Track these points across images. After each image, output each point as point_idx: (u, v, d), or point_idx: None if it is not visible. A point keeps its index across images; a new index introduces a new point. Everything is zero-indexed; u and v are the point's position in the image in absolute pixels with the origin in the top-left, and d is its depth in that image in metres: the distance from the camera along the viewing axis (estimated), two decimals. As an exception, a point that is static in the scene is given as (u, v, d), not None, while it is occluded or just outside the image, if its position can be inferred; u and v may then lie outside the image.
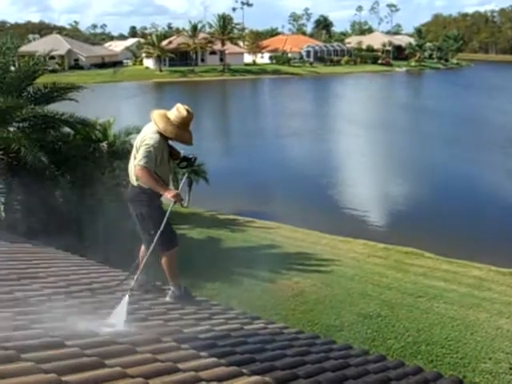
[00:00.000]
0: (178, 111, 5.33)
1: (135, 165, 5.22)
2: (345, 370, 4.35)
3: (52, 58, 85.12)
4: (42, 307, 4.27)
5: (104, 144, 16.12)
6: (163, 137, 5.29)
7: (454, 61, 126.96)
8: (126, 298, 4.64)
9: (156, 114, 5.34)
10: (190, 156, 5.67)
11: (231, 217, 21.74)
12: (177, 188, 6.16)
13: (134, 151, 5.41)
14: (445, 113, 54.14)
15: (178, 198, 5.26)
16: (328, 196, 25.56)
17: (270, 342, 4.79)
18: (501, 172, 31.45)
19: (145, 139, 5.25)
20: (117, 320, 4.36)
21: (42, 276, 5.60)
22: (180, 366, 3.46)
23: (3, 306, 3.96)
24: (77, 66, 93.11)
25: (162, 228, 5.17)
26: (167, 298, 5.62)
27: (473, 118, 49.39)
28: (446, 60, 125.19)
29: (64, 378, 2.77)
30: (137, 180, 5.32)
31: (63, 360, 3.05)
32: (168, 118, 5.29)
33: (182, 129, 5.33)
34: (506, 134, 42.24)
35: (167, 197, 5.24)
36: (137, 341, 3.83)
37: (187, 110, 5.34)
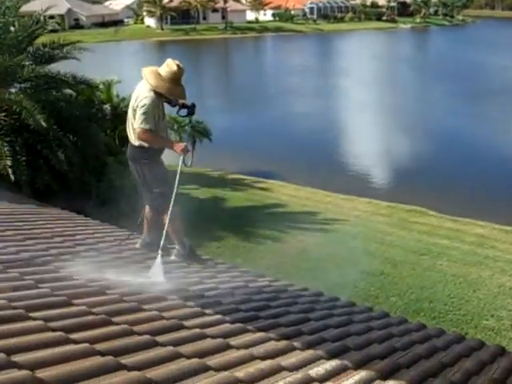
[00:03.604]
0: (168, 67, 5.30)
1: (135, 128, 5.24)
2: (348, 326, 4.40)
3: (52, 17, 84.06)
4: (48, 267, 4.31)
5: (107, 106, 16.04)
6: (157, 94, 5.27)
7: (460, 17, 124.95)
8: (159, 259, 4.93)
9: (147, 71, 5.32)
10: (189, 103, 5.64)
11: (236, 176, 21.73)
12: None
13: (130, 111, 5.41)
14: (446, 70, 53.62)
15: (185, 150, 5.31)
16: (332, 154, 25.47)
17: (274, 299, 4.84)
18: (503, 126, 31.22)
19: (140, 100, 5.24)
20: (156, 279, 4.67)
21: (48, 236, 5.63)
22: (185, 323, 3.51)
23: (10, 267, 3.99)
24: (77, 25, 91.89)
25: (175, 189, 5.28)
26: (172, 257, 5.67)
27: (473, 75, 48.87)
28: (452, 16, 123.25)
29: (72, 336, 2.82)
30: (138, 140, 5.32)
31: (70, 318, 3.10)
32: (159, 74, 5.27)
33: (174, 84, 5.30)
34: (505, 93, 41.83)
35: (176, 151, 5.29)
36: (143, 299, 3.88)
37: (177, 65, 5.31)
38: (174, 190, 5.27)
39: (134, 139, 5.41)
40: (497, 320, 10.03)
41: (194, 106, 5.66)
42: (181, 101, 5.62)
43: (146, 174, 5.44)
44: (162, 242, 5.26)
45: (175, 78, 5.31)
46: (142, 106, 5.18)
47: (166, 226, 5.32)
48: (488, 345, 4.51)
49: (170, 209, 5.29)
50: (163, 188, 5.45)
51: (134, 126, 5.26)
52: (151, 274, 4.75)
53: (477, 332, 9.60)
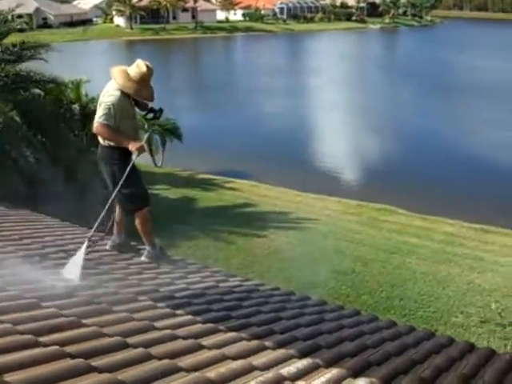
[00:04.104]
0: (137, 67, 5.28)
1: (95, 122, 5.21)
2: (320, 324, 4.42)
3: (19, 16, 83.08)
4: (17, 269, 4.25)
5: (76, 106, 15.90)
6: (124, 94, 5.24)
7: (428, 18, 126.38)
8: (83, 248, 4.70)
9: (116, 71, 5.29)
10: (156, 107, 5.64)
11: (206, 176, 21.70)
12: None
13: (97, 110, 5.36)
14: (414, 70, 54.36)
15: (140, 150, 5.24)
16: (302, 154, 25.55)
17: (245, 299, 4.84)
18: (471, 125, 31.70)
19: (106, 97, 5.23)
20: (72, 272, 4.40)
21: (16, 238, 5.56)
22: (156, 324, 3.49)
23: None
24: (45, 24, 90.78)
25: (119, 187, 5.17)
26: (143, 258, 5.64)
27: (441, 75, 49.57)
28: (420, 17, 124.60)
29: (41, 339, 2.79)
30: (96, 132, 5.29)
31: (40, 321, 3.06)
32: (128, 74, 5.25)
33: (142, 85, 5.27)
34: (472, 90, 42.49)
35: (131, 149, 5.22)
36: (113, 300, 3.85)
37: (147, 66, 5.28)
38: (117, 188, 5.19)
39: (102, 139, 5.38)
40: (466, 317, 10.17)
41: (161, 110, 5.66)
42: (150, 105, 5.61)
43: (116, 175, 5.38)
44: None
45: (144, 79, 5.28)
46: (106, 103, 5.17)
47: (105, 211, 5.15)
48: (457, 341, 4.56)
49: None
50: (133, 189, 5.41)
51: (95, 119, 5.23)
52: (66, 271, 4.49)
53: (446, 329, 9.72)
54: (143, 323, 3.46)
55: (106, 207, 5.14)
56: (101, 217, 5.19)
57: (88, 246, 4.79)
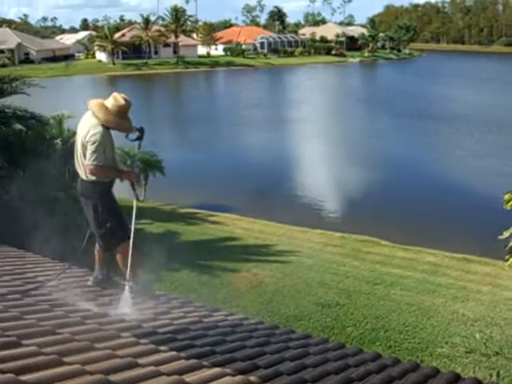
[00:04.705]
0: (115, 100, 5.34)
1: (87, 165, 5.23)
2: (304, 358, 4.39)
3: (1, 51, 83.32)
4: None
5: (58, 141, 15.84)
6: (105, 126, 5.27)
7: (407, 51, 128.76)
8: (127, 291, 5.20)
9: (94, 105, 5.33)
10: (138, 127, 5.63)
11: (189, 210, 21.66)
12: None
13: (79, 147, 5.35)
14: (392, 101, 55.30)
15: (134, 177, 5.41)
16: (284, 187, 25.65)
17: (229, 333, 4.80)
18: (451, 158, 32.14)
19: (90, 136, 5.21)
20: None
21: (-3, 275, 5.49)
22: (139, 360, 3.45)
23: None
24: (27, 60, 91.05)
25: (133, 223, 5.36)
26: (125, 293, 5.58)
27: (419, 107, 50.37)
28: (399, 50, 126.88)
29: (22, 378, 2.74)
30: (90, 175, 5.29)
31: (20, 359, 3.01)
32: (106, 108, 5.29)
33: (122, 117, 5.34)
34: (452, 120, 43.20)
35: (127, 179, 5.38)
36: (95, 337, 3.80)
37: (124, 99, 5.37)
38: (133, 223, 5.30)
39: (84, 174, 5.37)
40: (451, 347, 10.14)
41: (142, 129, 5.65)
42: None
43: (98, 209, 5.38)
44: (128, 273, 5.36)
45: (123, 112, 5.35)
46: (93, 143, 5.18)
47: (130, 256, 5.39)
48: (443, 372, 4.54)
49: (131, 240, 5.39)
50: (115, 222, 5.42)
51: (86, 162, 5.24)
52: (120, 307, 4.84)
53: (432, 359, 9.68)
54: (126, 360, 3.41)
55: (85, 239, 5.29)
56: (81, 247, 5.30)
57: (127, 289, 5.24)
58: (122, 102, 5.33)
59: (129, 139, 5.79)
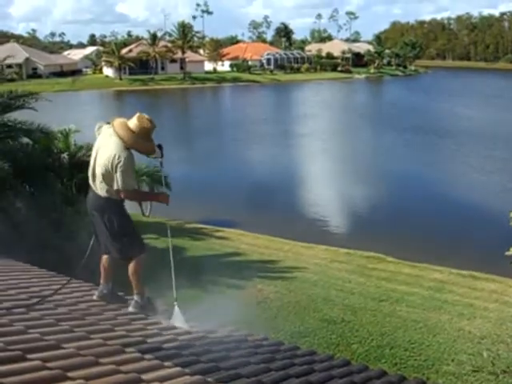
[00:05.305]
0: (139, 122, 5.23)
1: (120, 189, 5.17)
2: (309, 375, 4.36)
3: (9, 66, 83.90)
4: (1, 321, 4.18)
5: (65, 155, 15.90)
6: (128, 149, 5.19)
7: (412, 67, 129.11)
8: (177, 309, 5.58)
9: (118, 127, 5.20)
10: (157, 143, 5.55)
11: (194, 225, 21.64)
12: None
13: (101, 166, 5.20)
14: (398, 117, 55.48)
15: (166, 198, 5.49)
16: (290, 202, 25.61)
17: (234, 349, 4.78)
18: (457, 174, 32.11)
19: (118, 160, 5.11)
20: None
21: (2, 289, 5.49)
22: (144, 376, 3.43)
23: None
24: (35, 74, 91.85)
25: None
26: (130, 308, 5.57)
27: (425, 123, 50.41)
28: (405, 67, 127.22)
29: (25, 393, 2.73)
30: (125, 199, 5.33)
31: (24, 374, 3.00)
32: (130, 129, 5.19)
33: (146, 139, 5.28)
34: (459, 136, 43.19)
35: (163, 202, 5.47)
36: (100, 352, 3.79)
37: (149, 121, 5.28)
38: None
39: (100, 191, 5.31)
40: (457, 364, 10.07)
41: (161, 146, 5.58)
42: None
43: (113, 224, 5.35)
44: (175, 293, 5.65)
45: (148, 134, 5.28)
46: (122, 167, 5.08)
47: (173, 274, 5.78)
48: (448, 390, 4.51)
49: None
50: (132, 236, 5.47)
51: (119, 187, 5.15)
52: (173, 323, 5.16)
53: (438, 377, 9.61)
54: (130, 375, 3.40)
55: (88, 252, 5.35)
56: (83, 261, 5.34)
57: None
58: (148, 124, 5.25)
59: (149, 156, 5.77)
